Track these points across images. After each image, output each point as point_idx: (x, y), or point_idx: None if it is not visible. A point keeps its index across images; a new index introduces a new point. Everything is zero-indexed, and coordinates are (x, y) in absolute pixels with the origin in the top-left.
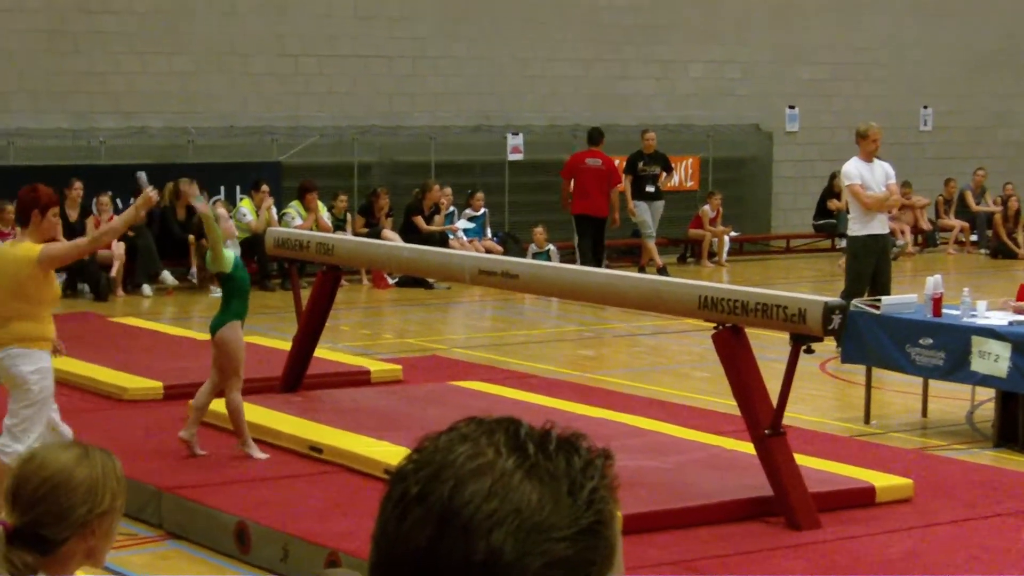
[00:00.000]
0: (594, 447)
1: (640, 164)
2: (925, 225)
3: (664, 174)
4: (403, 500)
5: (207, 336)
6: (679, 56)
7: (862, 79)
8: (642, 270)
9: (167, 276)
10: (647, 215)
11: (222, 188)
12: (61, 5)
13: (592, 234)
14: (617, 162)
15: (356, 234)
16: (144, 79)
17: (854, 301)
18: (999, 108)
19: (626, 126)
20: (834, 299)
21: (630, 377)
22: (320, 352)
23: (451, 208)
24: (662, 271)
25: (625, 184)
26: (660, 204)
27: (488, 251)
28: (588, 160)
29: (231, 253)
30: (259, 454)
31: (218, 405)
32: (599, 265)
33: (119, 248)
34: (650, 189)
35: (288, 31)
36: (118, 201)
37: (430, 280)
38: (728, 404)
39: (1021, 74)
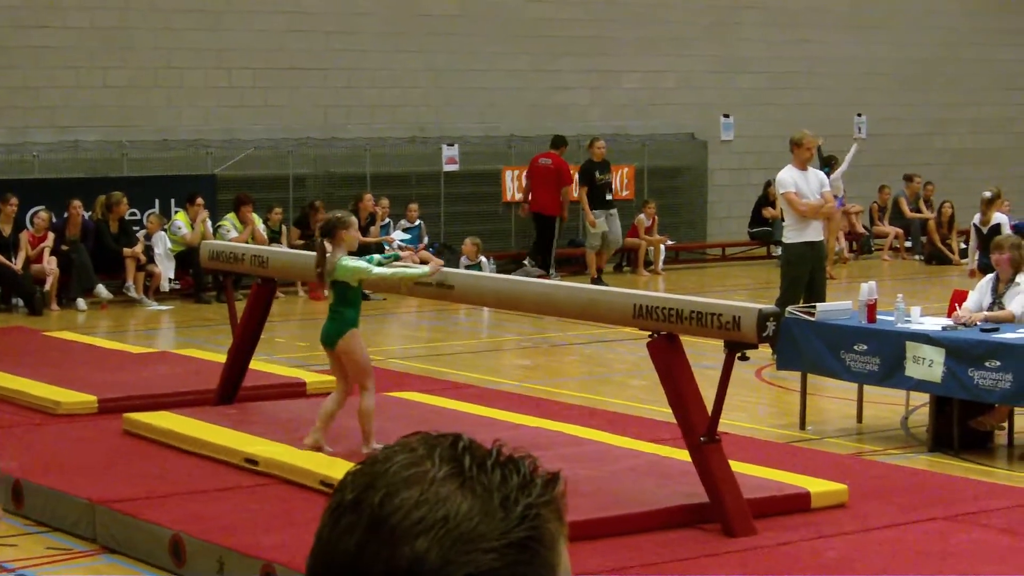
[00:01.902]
0: (539, 468)
1: (596, 173)
2: (860, 231)
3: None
4: (338, 507)
5: (142, 349)
6: (615, 67)
7: (798, 88)
8: (598, 280)
9: (102, 290)
10: (607, 227)
11: (156, 201)
12: None
13: (540, 232)
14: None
15: (292, 246)
16: (79, 93)
17: (789, 308)
18: (935, 116)
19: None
20: (768, 306)
21: (566, 386)
22: (256, 364)
23: (387, 219)
24: (597, 281)
25: (581, 195)
26: (616, 212)
27: (423, 262)
28: (541, 160)
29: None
30: None
31: (153, 419)
32: (543, 266)
33: (53, 263)
34: (608, 198)
35: (223, 44)
36: (52, 216)
37: (366, 291)
38: (664, 412)
39: (956, 84)
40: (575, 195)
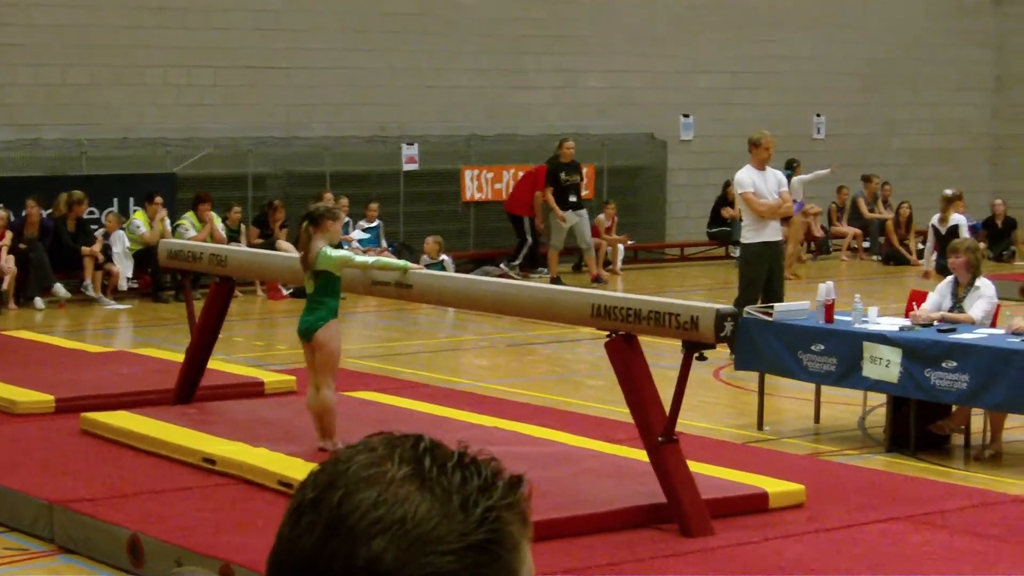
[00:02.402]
0: (503, 471)
1: (562, 174)
2: (818, 232)
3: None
4: (299, 507)
5: (100, 348)
6: (575, 66)
7: (757, 89)
8: (556, 280)
9: (60, 289)
10: (563, 227)
11: (115, 200)
12: None
13: (516, 232)
14: (522, 174)
15: (251, 245)
16: (39, 91)
17: (747, 308)
18: (893, 117)
19: (524, 136)
20: (726, 306)
21: (525, 386)
22: (214, 364)
23: (346, 219)
24: (556, 281)
25: (548, 195)
26: (584, 213)
27: None
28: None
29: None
30: None
31: (111, 418)
32: (511, 261)
33: (11, 261)
34: (573, 199)
35: (184, 43)
36: (11, 215)
37: None
38: (622, 412)
39: (913, 84)
40: (546, 196)
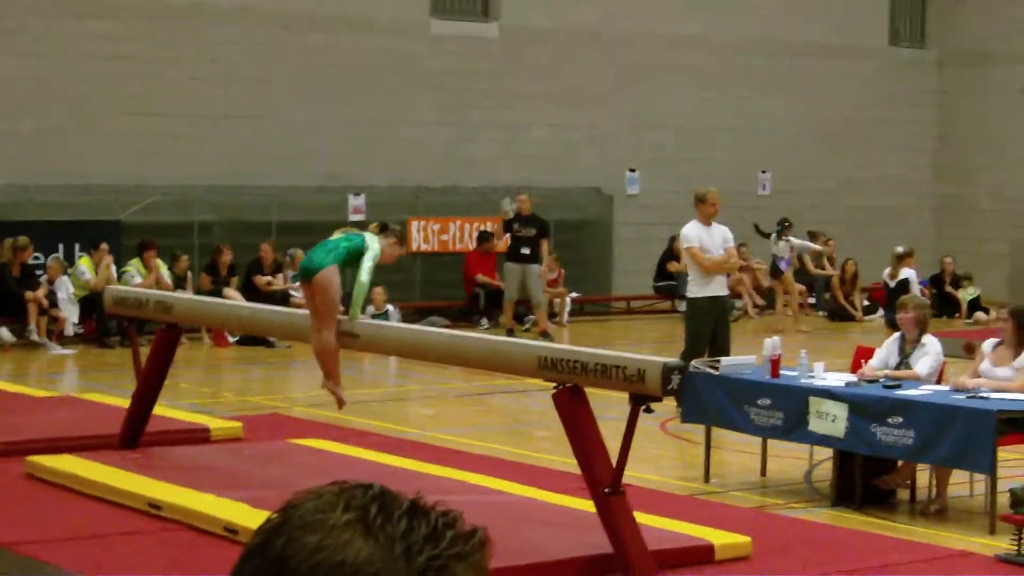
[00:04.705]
0: (456, 523)
1: (515, 226)
2: (764, 284)
3: (542, 238)
4: (248, 552)
5: (45, 393)
6: (522, 120)
7: (705, 145)
8: (510, 332)
9: (4, 333)
10: (513, 277)
11: (60, 246)
12: None
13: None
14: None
15: (201, 291)
16: None
17: (694, 362)
18: (839, 175)
19: (469, 188)
20: (673, 359)
21: (472, 436)
22: (159, 410)
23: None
24: (510, 333)
25: (502, 245)
26: (536, 267)
27: None
28: None
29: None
30: (343, 397)
31: (56, 462)
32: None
33: None
34: (524, 251)
35: (132, 91)
36: None
37: (271, 339)
38: (569, 463)
39: (861, 145)
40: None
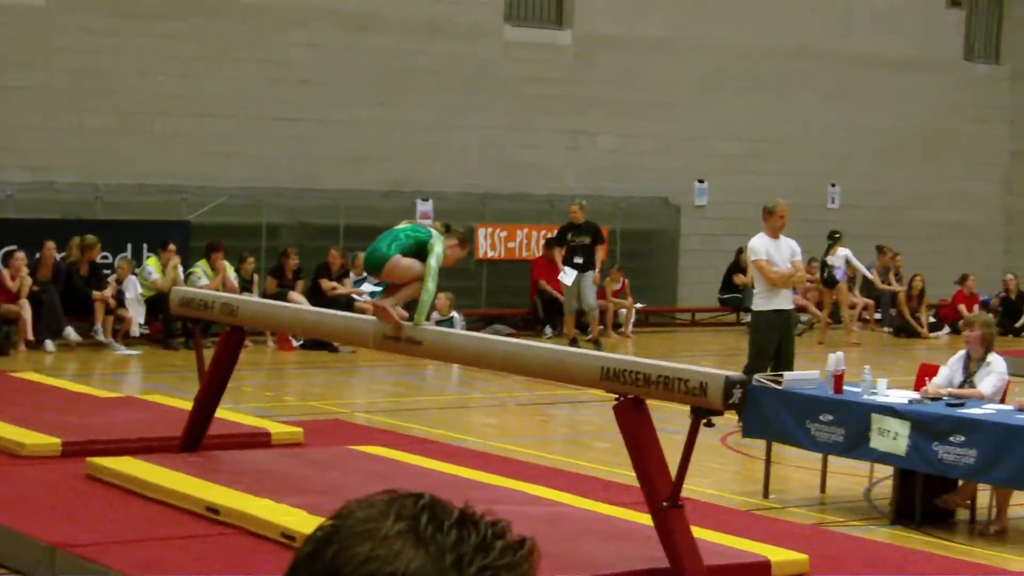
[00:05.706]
0: (506, 533)
1: (569, 235)
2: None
3: (596, 245)
4: (298, 561)
5: (108, 393)
6: (591, 128)
7: (774, 156)
8: (573, 342)
9: (70, 332)
10: (569, 281)
11: (129, 246)
12: None
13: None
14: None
15: (267, 294)
16: (55, 135)
17: (756, 376)
18: (909, 189)
19: (537, 195)
20: (736, 373)
21: (531, 446)
22: (221, 413)
23: (363, 274)
24: (573, 343)
25: (556, 255)
26: (589, 275)
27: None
28: None
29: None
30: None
31: (116, 463)
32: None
33: (25, 303)
34: (578, 260)
35: (201, 91)
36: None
37: (335, 343)
38: (628, 475)
39: (929, 158)
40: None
